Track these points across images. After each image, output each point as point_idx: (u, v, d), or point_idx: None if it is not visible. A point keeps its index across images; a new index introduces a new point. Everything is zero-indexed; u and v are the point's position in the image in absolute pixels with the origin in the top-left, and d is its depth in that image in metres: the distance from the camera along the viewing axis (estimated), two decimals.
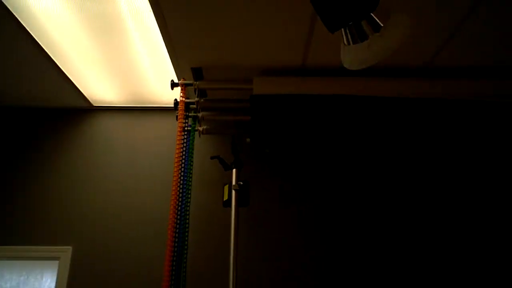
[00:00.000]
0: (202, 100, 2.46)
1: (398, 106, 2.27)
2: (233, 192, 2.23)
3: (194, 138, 2.47)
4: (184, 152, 2.45)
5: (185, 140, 2.49)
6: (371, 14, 1.40)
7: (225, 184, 2.33)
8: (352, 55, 1.50)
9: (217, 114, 2.56)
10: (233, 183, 2.27)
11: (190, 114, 2.52)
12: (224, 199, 2.28)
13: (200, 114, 2.50)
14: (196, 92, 2.42)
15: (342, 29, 1.44)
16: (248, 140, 2.51)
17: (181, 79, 2.40)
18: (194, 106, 2.49)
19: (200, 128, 2.53)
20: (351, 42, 1.46)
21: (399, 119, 2.31)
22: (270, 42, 2.07)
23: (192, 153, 2.43)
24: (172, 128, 2.77)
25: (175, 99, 2.46)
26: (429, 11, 1.83)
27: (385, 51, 1.44)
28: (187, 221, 2.22)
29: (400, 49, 1.47)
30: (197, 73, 2.35)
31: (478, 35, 1.99)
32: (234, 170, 2.34)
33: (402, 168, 2.63)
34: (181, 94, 2.39)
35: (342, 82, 2.29)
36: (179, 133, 2.35)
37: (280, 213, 2.55)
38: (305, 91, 2.30)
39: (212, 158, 2.40)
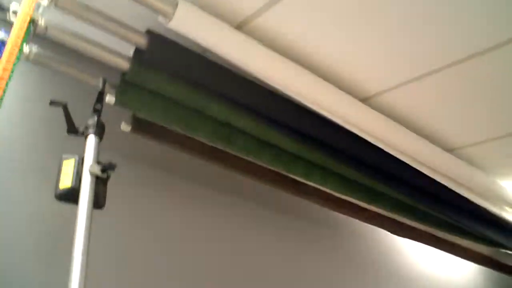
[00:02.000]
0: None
1: None
2: (87, 178, 1.22)
3: (17, 61, 1.31)
4: None
5: None
6: None
7: (66, 158, 1.29)
8: None
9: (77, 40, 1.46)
10: (90, 162, 1.25)
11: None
12: (63, 187, 1.24)
13: (42, 22, 1.36)
14: None
15: None
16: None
17: None
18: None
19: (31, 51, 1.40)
20: None
21: None
22: None
23: (6, 87, 1.28)
24: None
25: None
26: None
27: None
28: None
29: None
30: None
31: None
32: (89, 137, 1.32)
33: None
34: None
35: None
36: None
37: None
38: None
39: (52, 103, 1.31)
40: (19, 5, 1.28)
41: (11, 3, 1.37)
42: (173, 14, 1.35)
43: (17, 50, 1.13)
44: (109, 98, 1.53)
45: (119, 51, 1.51)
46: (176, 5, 1.36)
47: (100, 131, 1.32)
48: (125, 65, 1.50)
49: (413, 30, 1.49)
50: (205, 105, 1.64)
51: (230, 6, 1.47)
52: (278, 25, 1.53)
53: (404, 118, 1.90)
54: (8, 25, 1.44)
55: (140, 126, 1.66)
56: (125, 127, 1.63)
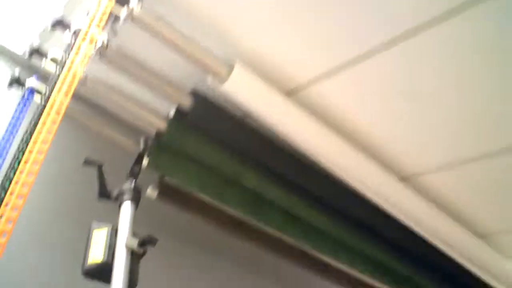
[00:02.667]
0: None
1: None
2: (121, 252, 1.05)
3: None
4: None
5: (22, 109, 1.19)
6: None
7: (97, 228, 1.11)
8: None
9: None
10: (126, 233, 1.08)
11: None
12: (92, 262, 1.06)
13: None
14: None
15: None
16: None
17: None
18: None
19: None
20: None
21: None
22: None
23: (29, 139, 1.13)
24: None
25: None
26: None
27: None
28: None
29: None
30: None
31: None
32: (124, 204, 1.15)
33: None
34: None
35: None
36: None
37: None
38: None
39: (87, 163, 1.15)
40: (64, 53, 1.16)
41: (49, 49, 1.25)
42: (228, 76, 1.26)
43: (63, 110, 0.97)
44: None
45: (157, 109, 1.39)
46: (232, 67, 1.27)
47: (137, 197, 1.17)
48: (161, 125, 1.38)
49: (452, 119, 1.46)
50: (239, 173, 1.51)
51: (284, 72, 1.39)
52: (330, 96, 1.46)
53: (439, 200, 1.82)
54: (41, 71, 1.33)
55: (166, 192, 1.51)
56: (152, 192, 1.47)
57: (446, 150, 1.60)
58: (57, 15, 1.15)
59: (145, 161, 1.38)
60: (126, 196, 1.15)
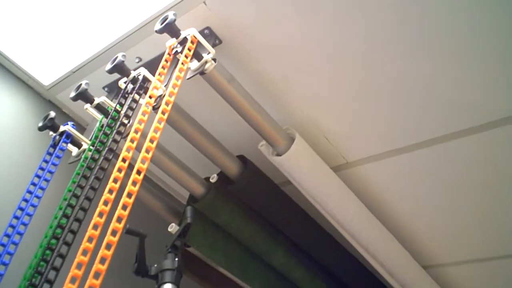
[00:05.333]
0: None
1: None
2: None
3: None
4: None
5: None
6: None
7: None
8: None
9: None
10: None
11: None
12: None
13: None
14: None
15: None
16: None
17: None
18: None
19: None
20: None
21: None
22: None
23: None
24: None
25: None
26: None
27: None
28: None
29: None
30: None
31: None
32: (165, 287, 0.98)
33: None
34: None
35: None
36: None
37: None
38: None
39: (129, 233, 0.97)
40: (117, 102, 1.00)
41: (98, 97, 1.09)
42: (288, 147, 1.15)
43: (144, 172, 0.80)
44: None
45: (196, 173, 1.24)
46: (293, 138, 1.16)
47: (179, 278, 1.00)
48: (199, 190, 1.23)
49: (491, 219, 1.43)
50: (268, 249, 1.37)
51: (337, 148, 1.30)
52: (373, 178, 1.38)
53: None
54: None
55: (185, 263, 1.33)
56: None
57: (476, 246, 1.56)
58: (119, 58, 0.99)
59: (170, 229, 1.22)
60: (167, 276, 0.98)
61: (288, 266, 1.43)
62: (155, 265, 1.00)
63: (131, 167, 0.82)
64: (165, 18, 0.98)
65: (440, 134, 1.24)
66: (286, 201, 1.36)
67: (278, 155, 1.18)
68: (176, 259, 1.01)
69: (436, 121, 1.21)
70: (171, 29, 0.99)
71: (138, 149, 0.84)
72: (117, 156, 0.85)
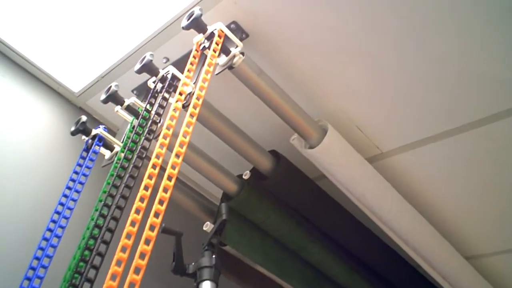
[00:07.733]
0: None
1: None
2: None
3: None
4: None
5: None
6: None
7: None
8: None
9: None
10: None
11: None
12: None
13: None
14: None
15: None
16: None
17: None
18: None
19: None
20: None
21: None
22: None
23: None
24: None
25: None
26: None
27: None
28: None
29: None
30: None
31: None
32: (204, 285, 0.97)
33: None
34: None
35: None
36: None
37: None
38: None
39: (165, 231, 0.97)
40: (147, 103, 1.00)
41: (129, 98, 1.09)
42: (320, 140, 1.12)
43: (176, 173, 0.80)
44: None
45: (228, 170, 1.22)
46: (325, 131, 1.14)
47: (217, 276, 0.99)
48: (232, 187, 1.21)
49: None
50: (304, 245, 1.35)
51: (369, 140, 1.27)
52: (410, 167, 1.34)
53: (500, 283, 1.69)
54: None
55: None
56: None
57: None
58: (147, 57, 0.99)
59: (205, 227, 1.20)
60: (206, 274, 0.96)
61: (325, 262, 1.40)
62: (193, 263, 0.99)
63: (162, 168, 0.82)
64: (191, 14, 0.98)
65: (478, 118, 1.19)
66: (321, 196, 1.33)
67: (311, 148, 1.15)
68: (214, 256, 1.00)
69: (475, 103, 1.16)
70: (197, 24, 0.98)
71: (170, 148, 0.83)
72: (149, 156, 0.84)
